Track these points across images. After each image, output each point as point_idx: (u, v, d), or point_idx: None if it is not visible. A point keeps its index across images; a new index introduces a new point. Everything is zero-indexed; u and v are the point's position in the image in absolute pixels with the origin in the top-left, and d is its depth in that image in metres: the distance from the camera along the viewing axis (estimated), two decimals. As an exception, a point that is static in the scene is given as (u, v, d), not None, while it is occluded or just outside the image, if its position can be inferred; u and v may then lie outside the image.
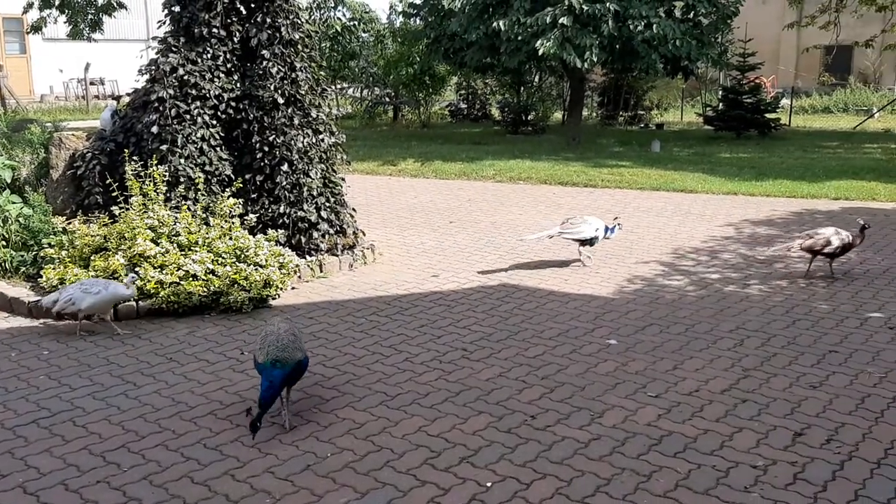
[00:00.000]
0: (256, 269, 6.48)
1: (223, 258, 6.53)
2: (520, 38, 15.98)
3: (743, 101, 20.26)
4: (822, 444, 4.23)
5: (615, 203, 11.80)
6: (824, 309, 6.57)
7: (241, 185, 7.25)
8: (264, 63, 7.53)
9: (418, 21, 21.94)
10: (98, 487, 3.82)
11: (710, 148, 18.31)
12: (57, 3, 19.29)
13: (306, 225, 7.64)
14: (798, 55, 30.82)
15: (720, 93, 23.13)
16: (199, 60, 7.39)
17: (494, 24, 16.17)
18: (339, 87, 24.81)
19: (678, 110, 28.73)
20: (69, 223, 6.83)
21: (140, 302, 6.32)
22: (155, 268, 6.30)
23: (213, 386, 5.03)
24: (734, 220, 10.44)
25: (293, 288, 7.07)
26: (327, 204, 7.86)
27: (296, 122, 7.58)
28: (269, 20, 7.58)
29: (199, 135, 7.24)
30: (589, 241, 7.97)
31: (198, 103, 7.29)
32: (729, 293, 7.07)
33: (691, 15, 17.09)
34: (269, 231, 7.10)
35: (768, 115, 20.55)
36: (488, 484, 3.84)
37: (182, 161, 7.14)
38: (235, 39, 7.60)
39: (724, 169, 14.73)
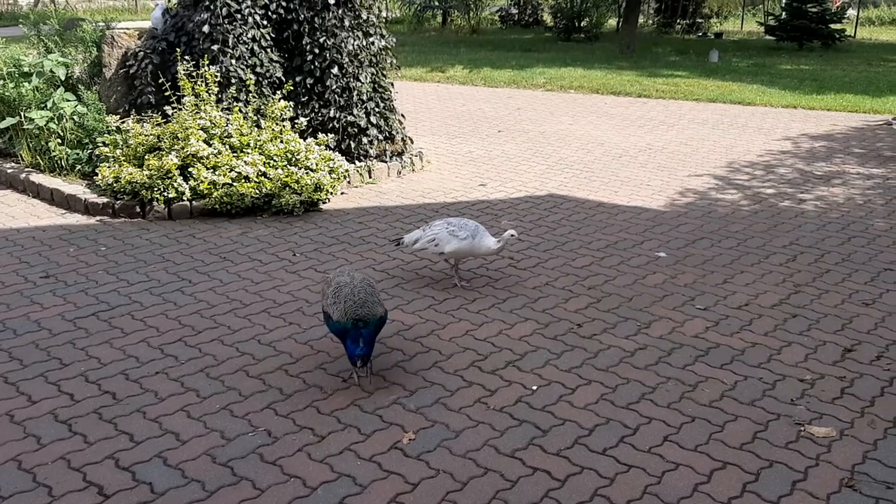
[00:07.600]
0: (307, 173, 6.51)
1: (274, 161, 6.56)
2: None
3: (807, 10, 19.47)
4: (872, 360, 4.19)
5: (669, 114, 11.53)
6: (881, 227, 6.42)
7: (291, 88, 7.21)
8: (314, -39, 7.37)
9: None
10: (157, 378, 3.96)
11: (770, 59, 17.71)
12: None
13: (356, 130, 7.62)
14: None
15: (783, 1, 22.20)
16: (250, -42, 7.26)
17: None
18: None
19: (738, 19, 27.69)
20: (123, 122, 6.88)
21: (193, 202, 6.42)
22: (208, 168, 6.36)
23: (267, 285, 5.14)
24: (792, 135, 10.16)
25: (343, 193, 7.11)
26: (376, 109, 7.81)
27: (346, 23, 7.46)
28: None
29: (249, 35, 7.17)
30: None
31: (249, 2, 7.19)
32: (784, 208, 6.93)
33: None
34: (320, 135, 7.08)
35: (833, 26, 19.76)
36: (534, 387, 3.89)
37: (233, 62, 7.10)
38: (286, -64, 7.43)
39: (785, 81, 14.27)
